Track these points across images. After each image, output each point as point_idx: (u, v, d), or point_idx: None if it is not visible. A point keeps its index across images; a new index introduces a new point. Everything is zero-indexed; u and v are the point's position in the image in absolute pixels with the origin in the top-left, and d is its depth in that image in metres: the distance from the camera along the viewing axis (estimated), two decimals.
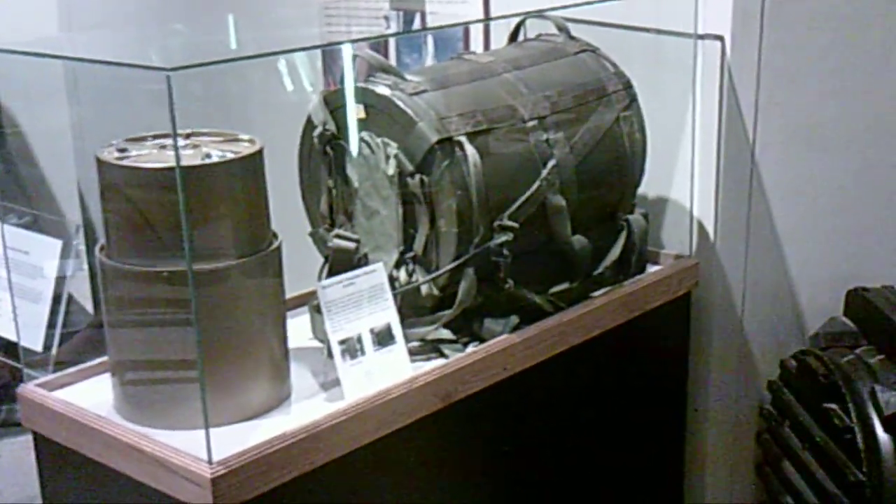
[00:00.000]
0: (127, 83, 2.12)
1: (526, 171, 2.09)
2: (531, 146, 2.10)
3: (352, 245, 2.09)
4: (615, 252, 2.29)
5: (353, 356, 1.89)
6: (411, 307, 2.07)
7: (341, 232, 2.11)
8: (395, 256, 2.06)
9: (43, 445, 1.92)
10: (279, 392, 1.90)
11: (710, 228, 2.46)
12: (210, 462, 1.64)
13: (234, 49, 2.18)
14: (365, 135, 2.05)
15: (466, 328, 2.09)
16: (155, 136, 1.90)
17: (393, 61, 2.84)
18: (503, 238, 2.03)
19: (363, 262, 2.10)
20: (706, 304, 2.49)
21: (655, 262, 2.48)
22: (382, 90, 2.02)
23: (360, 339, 1.91)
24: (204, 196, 1.75)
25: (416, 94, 2.02)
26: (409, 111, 1.98)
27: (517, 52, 2.30)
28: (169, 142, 1.86)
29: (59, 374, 1.95)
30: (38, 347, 2.06)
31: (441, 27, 2.85)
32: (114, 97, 2.81)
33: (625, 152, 2.27)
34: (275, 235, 1.89)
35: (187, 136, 1.90)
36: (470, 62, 2.20)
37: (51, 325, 2.08)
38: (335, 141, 2.10)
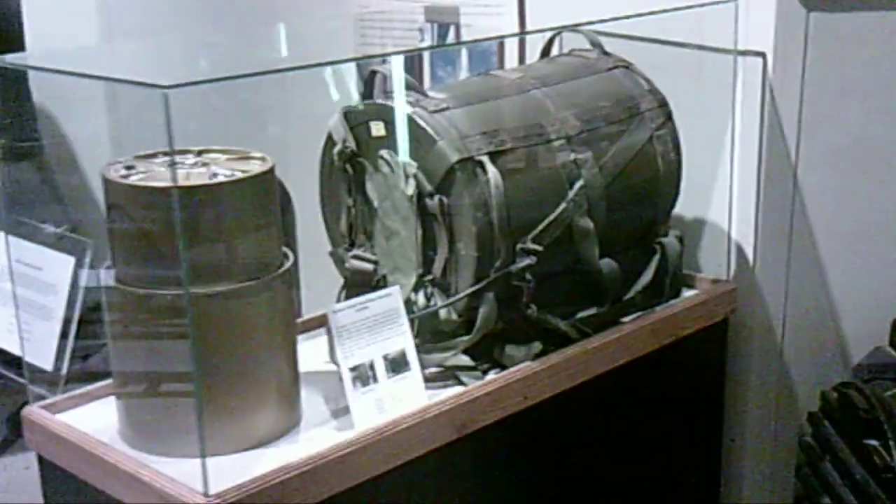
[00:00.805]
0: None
1: (551, 192, 2.01)
2: (557, 166, 2.02)
3: (369, 267, 2.03)
4: (647, 276, 2.20)
5: (365, 383, 1.82)
6: (430, 332, 2.00)
7: (359, 253, 2.05)
8: (413, 279, 1.99)
9: (47, 468, 1.87)
10: (288, 420, 1.83)
11: (749, 252, 2.36)
12: (206, 494, 1.58)
13: (282, 59, 2.11)
14: (385, 153, 1.98)
15: (487, 354, 2.01)
16: (166, 153, 1.84)
17: (426, 75, 2.78)
18: (525, 262, 1.95)
19: (382, 283, 2.04)
20: (744, 331, 2.39)
21: (691, 287, 2.38)
22: (404, 107, 1.94)
23: (372, 366, 1.84)
24: (207, 217, 1.69)
25: (438, 111, 1.94)
26: (428, 129, 1.91)
27: (547, 67, 2.21)
28: (180, 159, 1.81)
29: (65, 395, 1.90)
30: (48, 367, 2.01)
31: (475, 41, 2.77)
32: (149, 108, 2.77)
33: (658, 173, 2.18)
34: (286, 256, 1.83)
35: (199, 153, 1.85)
36: (497, 78, 2.13)
37: (62, 344, 2.03)
38: (355, 158, 2.03)
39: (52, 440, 1.81)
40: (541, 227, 1.98)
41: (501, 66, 2.63)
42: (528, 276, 1.95)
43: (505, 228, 1.93)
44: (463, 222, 1.91)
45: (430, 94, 1.99)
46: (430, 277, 1.98)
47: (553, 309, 2.05)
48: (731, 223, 2.35)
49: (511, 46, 2.62)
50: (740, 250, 2.36)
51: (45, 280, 2.08)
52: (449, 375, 1.97)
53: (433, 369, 1.96)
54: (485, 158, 1.91)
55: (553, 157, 2.02)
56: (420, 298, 1.99)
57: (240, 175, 1.73)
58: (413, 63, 2.78)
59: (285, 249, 1.84)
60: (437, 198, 1.91)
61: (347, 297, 2.02)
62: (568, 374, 2.03)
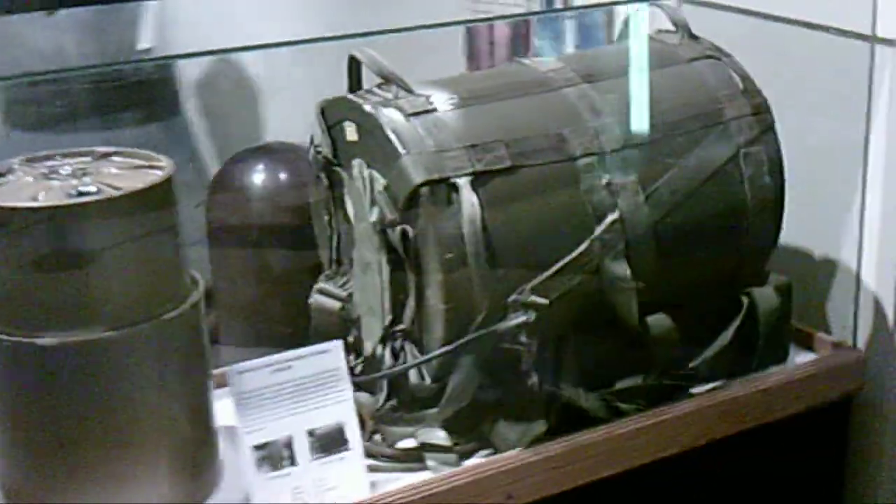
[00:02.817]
0: None
1: (569, 228, 1.52)
2: (581, 193, 1.51)
3: (335, 305, 1.61)
4: (723, 339, 1.66)
5: (277, 466, 1.41)
6: (403, 399, 1.56)
7: (326, 286, 1.63)
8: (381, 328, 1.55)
9: None
10: (190, 491, 1.45)
11: (888, 309, 1.75)
12: None
13: None
14: (356, 164, 1.54)
15: (475, 431, 1.55)
16: (65, 156, 1.49)
17: (531, 46, 2.30)
18: (518, 319, 1.47)
19: (356, 326, 1.61)
20: (875, 413, 1.79)
21: (811, 350, 1.80)
22: (370, 107, 1.50)
23: (289, 444, 1.42)
24: (58, 245, 1.32)
25: (418, 113, 1.48)
26: (392, 138, 1.46)
27: (602, 57, 1.70)
28: (70, 162, 1.45)
29: None
30: None
31: (547, 12, 2.26)
32: None
33: (744, 202, 1.63)
34: (194, 285, 1.44)
35: (101, 157, 1.48)
36: (525, 68, 1.63)
37: None
38: (331, 167, 1.61)
39: None
40: (547, 273, 1.49)
41: (610, 42, 2.11)
42: (524, 339, 1.47)
43: (487, 275, 1.45)
44: (429, 263, 1.45)
45: (419, 89, 1.53)
46: (401, 327, 1.53)
47: (580, 376, 1.56)
48: (859, 268, 1.76)
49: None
50: (877, 306, 1.76)
51: None
52: (413, 457, 1.52)
53: (390, 450, 1.52)
54: (462, 181, 1.44)
55: (575, 181, 1.52)
56: (388, 354, 1.55)
57: (111, 192, 1.35)
58: (519, 33, 2.31)
59: (196, 279, 1.46)
60: (398, 228, 1.46)
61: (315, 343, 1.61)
62: (579, 466, 1.53)
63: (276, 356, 1.43)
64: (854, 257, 1.76)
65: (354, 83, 1.59)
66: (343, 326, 1.61)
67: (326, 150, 1.59)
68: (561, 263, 1.49)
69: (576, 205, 1.51)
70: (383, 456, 1.52)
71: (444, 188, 1.44)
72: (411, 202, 1.44)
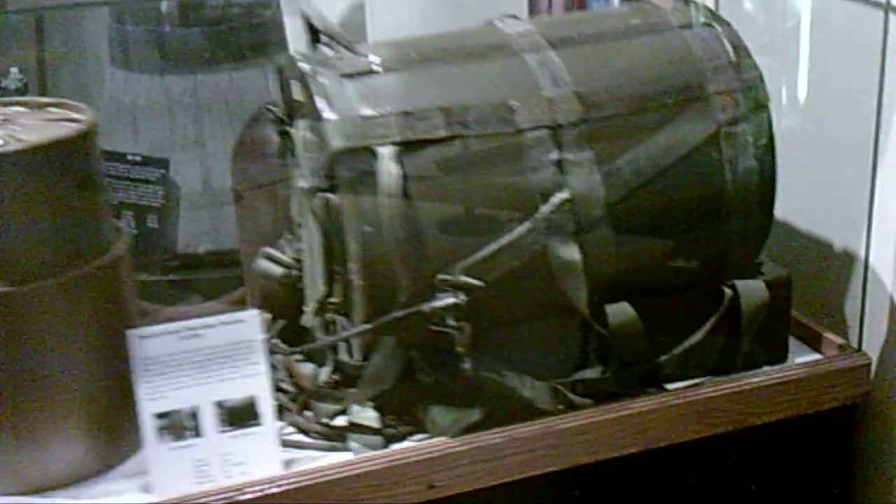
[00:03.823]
0: None
1: (511, 207, 1.40)
2: (524, 169, 1.40)
3: (278, 270, 1.54)
4: (698, 335, 1.52)
5: (179, 437, 1.37)
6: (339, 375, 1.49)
7: (271, 251, 1.56)
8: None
9: None
10: (103, 456, 1.42)
11: None
12: None
13: None
14: (302, 125, 1.46)
15: (410, 413, 1.46)
16: (4, 104, 1.47)
17: None
18: (446, 301, 1.37)
19: (300, 295, 1.55)
20: (883, 422, 1.62)
21: (818, 351, 1.64)
22: (306, 65, 1.42)
23: (194, 415, 1.37)
24: None
25: (354, 75, 1.40)
26: (318, 100, 1.37)
27: (581, 21, 1.56)
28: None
29: None
30: None
31: None
32: None
33: (722, 187, 1.47)
34: (118, 240, 1.41)
35: (38, 107, 1.46)
36: (491, 30, 1.51)
37: None
38: (281, 125, 1.54)
39: None
40: (480, 254, 1.38)
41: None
42: (454, 322, 1.38)
43: (410, 251, 1.36)
44: (348, 236, 1.37)
45: (367, 49, 1.44)
46: (333, 300, 1.46)
47: (526, 368, 1.46)
48: (867, 264, 1.58)
49: None
50: (893, 306, 1.59)
51: None
52: (337, 436, 1.45)
53: (316, 426, 1.46)
54: (385, 150, 1.35)
55: (520, 155, 1.40)
56: (318, 326, 1.48)
57: (11, 146, 1.32)
58: None
59: (120, 229, 1.43)
60: (319, 196, 1.38)
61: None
62: (513, 460, 1.44)
63: (185, 322, 1.38)
64: (862, 251, 1.59)
65: (315, 38, 1.51)
66: (291, 293, 1.55)
67: (279, 110, 1.52)
68: (496, 244, 1.39)
69: (519, 181, 1.40)
70: (308, 432, 1.46)
71: (365, 157, 1.35)
72: (331, 170, 1.36)
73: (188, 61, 2.76)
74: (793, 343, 1.62)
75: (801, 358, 1.61)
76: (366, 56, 1.42)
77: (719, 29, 1.51)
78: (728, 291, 1.52)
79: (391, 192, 1.34)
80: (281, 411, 1.48)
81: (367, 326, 1.38)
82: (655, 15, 1.53)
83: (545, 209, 1.40)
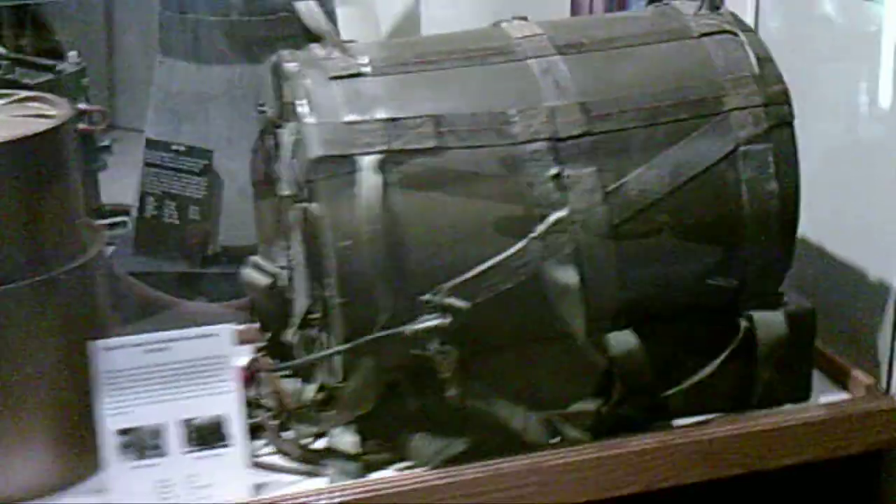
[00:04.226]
0: None
1: (504, 224, 1.30)
2: (520, 184, 1.30)
3: (264, 280, 1.46)
4: (708, 368, 1.40)
5: (142, 456, 1.29)
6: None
7: (258, 260, 1.48)
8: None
9: None
10: (69, 468, 1.36)
11: None
12: None
13: None
14: (290, 127, 1.38)
15: (394, 440, 1.37)
16: None
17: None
18: (430, 322, 1.28)
19: (288, 306, 1.47)
20: None
21: (845, 388, 1.52)
22: (293, 66, 1.33)
23: (159, 433, 1.30)
24: None
25: (342, 77, 1.31)
26: (300, 103, 1.29)
27: (595, 25, 1.45)
28: None
29: None
30: None
31: None
32: None
33: (739, 211, 1.36)
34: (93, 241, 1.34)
35: (17, 101, 1.39)
36: (497, 32, 1.41)
37: None
38: (275, 128, 1.45)
39: None
40: (469, 274, 1.29)
41: None
42: (439, 346, 1.28)
43: (391, 269, 1.27)
44: (326, 249, 1.28)
45: (360, 49, 1.35)
46: (315, 316, 1.37)
47: (518, 398, 1.36)
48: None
49: None
50: None
51: None
52: (313, 460, 1.37)
53: (291, 450, 1.37)
54: (367, 159, 1.25)
55: (515, 169, 1.30)
56: (298, 342, 1.40)
57: None
58: None
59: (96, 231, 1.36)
60: (298, 206, 1.29)
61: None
62: (496, 496, 1.33)
63: (153, 335, 1.30)
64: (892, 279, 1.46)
65: (309, 35, 1.43)
66: (279, 304, 1.47)
67: (272, 110, 1.44)
68: (487, 264, 1.29)
69: (513, 197, 1.30)
70: (284, 454, 1.38)
71: (347, 165, 1.26)
72: (310, 179, 1.27)
73: (242, 51, 2.71)
74: (818, 378, 1.51)
75: (825, 396, 1.49)
76: (354, 57, 1.33)
77: (744, 37, 1.39)
78: (744, 323, 1.41)
79: (371, 205, 1.24)
80: (260, 429, 1.40)
81: (344, 347, 1.29)
82: (676, 20, 1.42)
83: (541, 228, 1.30)
